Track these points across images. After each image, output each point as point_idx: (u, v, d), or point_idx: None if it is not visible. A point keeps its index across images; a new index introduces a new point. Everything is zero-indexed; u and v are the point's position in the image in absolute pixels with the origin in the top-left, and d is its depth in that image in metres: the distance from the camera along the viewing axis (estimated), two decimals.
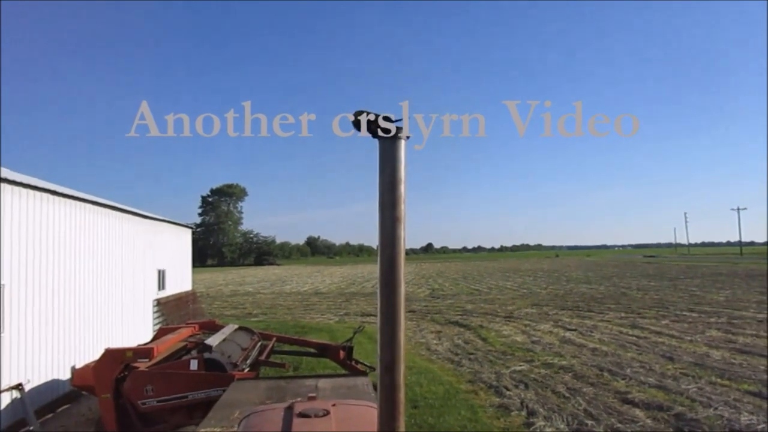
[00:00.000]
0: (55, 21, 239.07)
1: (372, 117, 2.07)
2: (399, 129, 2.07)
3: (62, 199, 13.49)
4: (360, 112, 2.08)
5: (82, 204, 14.64)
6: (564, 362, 15.34)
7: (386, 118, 2.08)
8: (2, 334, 10.79)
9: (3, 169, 14.08)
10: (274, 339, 12.58)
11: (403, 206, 2.04)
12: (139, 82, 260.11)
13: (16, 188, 11.45)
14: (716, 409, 10.67)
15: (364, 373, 9.89)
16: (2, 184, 10.91)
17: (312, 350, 12.22)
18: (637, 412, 10.74)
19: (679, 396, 11.66)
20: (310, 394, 5.16)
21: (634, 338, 18.93)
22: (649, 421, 10.23)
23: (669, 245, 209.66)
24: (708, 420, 10.11)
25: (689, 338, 18.56)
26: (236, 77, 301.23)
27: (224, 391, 7.61)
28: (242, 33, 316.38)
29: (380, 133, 2.06)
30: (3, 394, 10.57)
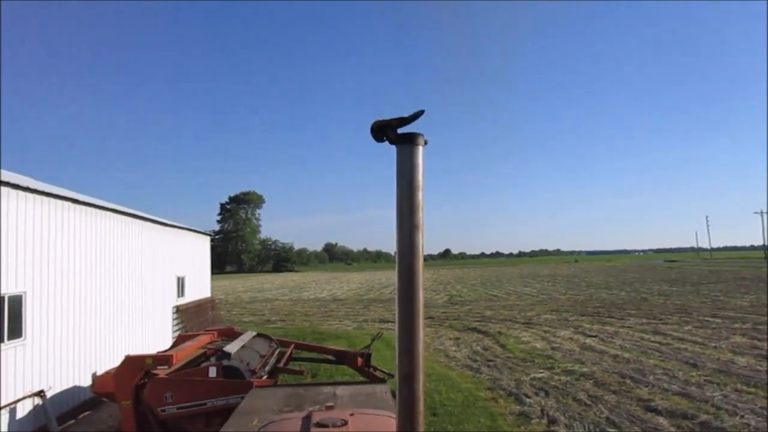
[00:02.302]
0: (66, 26, 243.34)
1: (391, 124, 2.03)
2: (417, 135, 2.02)
3: (83, 207, 13.66)
4: (380, 124, 2.04)
5: (103, 212, 14.81)
6: (585, 369, 15.15)
7: (402, 120, 2.03)
8: (24, 342, 10.93)
9: (25, 178, 14.31)
10: (293, 346, 12.58)
11: (421, 214, 1.99)
12: (149, 87, 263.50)
13: (38, 197, 11.61)
14: (742, 417, 10.45)
15: (382, 381, 9.85)
16: (25, 193, 11.08)
17: (330, 357, 12.21)
18: (661, 420, 10.56)
19: (703, 404, 11.44)
20: (328, 403, 5.12)
21: (657, 344, 18.63)
22: (673, 429, 10.05)
23: (691, 249, 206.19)
24: (734, 428, 9.91)
25: (713, 344, 18.23)
26: (245, 81, 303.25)
27: (243, 398, 7.61)
28: (252, 37, 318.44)
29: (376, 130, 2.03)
30: (25, 401, 10.69)
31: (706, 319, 24.64)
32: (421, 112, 2.06)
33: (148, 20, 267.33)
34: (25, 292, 11.04)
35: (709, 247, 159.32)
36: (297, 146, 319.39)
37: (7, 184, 10.45)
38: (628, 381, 13.63)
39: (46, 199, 11.94)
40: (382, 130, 2.03)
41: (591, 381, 13.83)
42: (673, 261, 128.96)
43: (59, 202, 12.52)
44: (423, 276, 2.01)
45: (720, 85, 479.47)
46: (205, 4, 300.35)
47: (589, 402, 11.92)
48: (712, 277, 56.66)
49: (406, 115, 2.12)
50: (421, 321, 2.00)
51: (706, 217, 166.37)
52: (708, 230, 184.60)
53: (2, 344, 10.21)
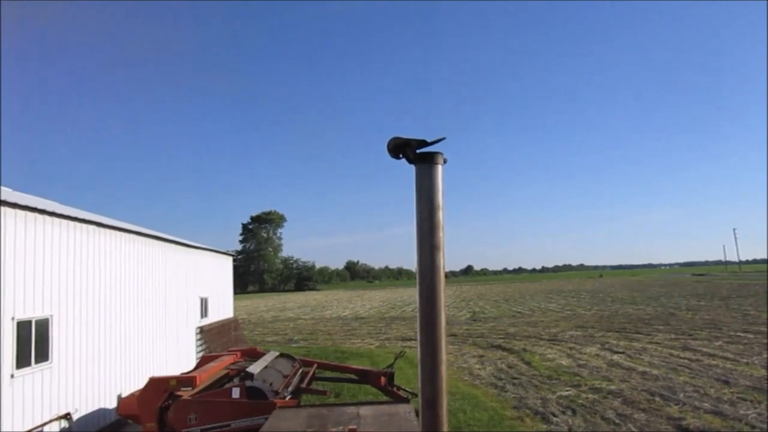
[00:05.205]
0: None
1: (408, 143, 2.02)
2: (436, 154, 2.00)
3: (108, 230, 13.86)
4: (399, 142, 2.02)
5: (127, 234, 15.00)
6: (613, 387, 14.83)
7: (422, 143, 2.02)
8: (51, 365, 11.04)
9: (50, 202, 14.58)
10: (315, 365, 12.53)
11: (441, 234, 1.96)
12: (170, 106, 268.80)
13: (64, 221, 11.81)
14: None
15: (406, 400, 9.75)
16: (51, 218, 11.28)
17: (353, 376, 12.13)
18: None
19: (737, 422, 11.10)
20: (351, 426, 5.07)
21: (686, 361, 18.19)
22: None
23: (718, 263, 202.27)
24: None
25: (745, 360, 17.74)
26: (264, 99, 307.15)
27: (266, 419, 7.58)
28: (273, 53, 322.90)
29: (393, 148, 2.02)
30: (52, 424, 10.78)
31: (737, 334, 24.02)
32: (443, 139, 2.05)
33: (171, 38, 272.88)
34: (51, 316, 11.19)
35: (737, 260, 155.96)
36: (318, 165, 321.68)
37: (34, 209, 10.66)
38: (657, 399, 13.30)
39: (72, 223, 12.14)
40: (401, 149, 2.02)
41: (619, 399, 13.52)
42: (701, 275, 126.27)
43: (84, 225, 12.71)
44: (444, 295, 1.98)
45: (747, 96, 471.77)
46: (230, 20, 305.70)
47: (617, 421, 11.65)
48: (742, 291, 55.33)
49: (427, 138, 2.11)
50: (443, 344, 1.97)
51: (734, 229, 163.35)
52: (736, 243, 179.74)
53: (29, 367, 10.34)
